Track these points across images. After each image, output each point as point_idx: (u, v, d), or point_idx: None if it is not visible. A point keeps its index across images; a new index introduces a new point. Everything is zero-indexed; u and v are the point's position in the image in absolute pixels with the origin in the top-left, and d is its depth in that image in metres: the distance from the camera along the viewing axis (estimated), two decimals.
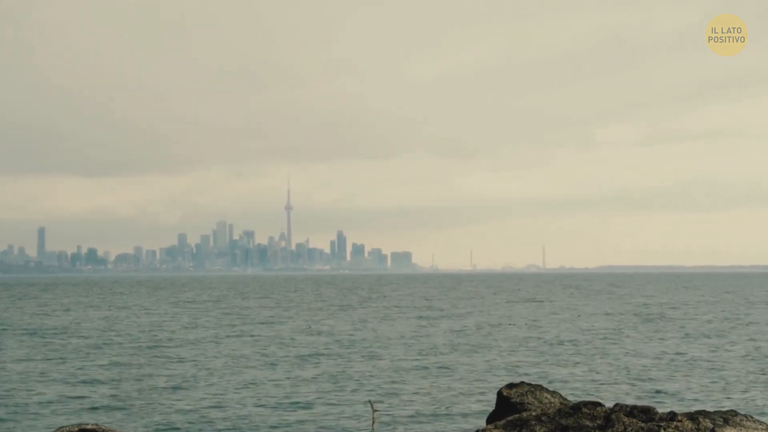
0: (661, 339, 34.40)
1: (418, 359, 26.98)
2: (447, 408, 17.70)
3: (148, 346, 32.00)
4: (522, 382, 7.34)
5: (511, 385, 7.33)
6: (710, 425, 6.11)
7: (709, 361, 26.53)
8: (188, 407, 18.00)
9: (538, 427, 6.05)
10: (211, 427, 15.87)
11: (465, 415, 16.73)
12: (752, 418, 7.81)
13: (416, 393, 19.76)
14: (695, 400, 18.63)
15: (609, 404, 6.43)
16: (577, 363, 25.68)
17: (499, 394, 7.26)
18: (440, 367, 24.73)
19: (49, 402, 18.92)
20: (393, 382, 21.82)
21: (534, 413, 6.27)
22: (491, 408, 7.60)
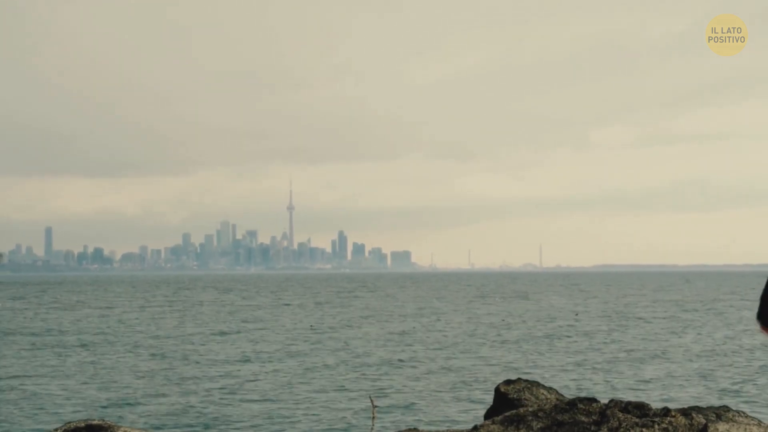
0: (655, 335, 34.44)
1: (416, 357, 26.99)
2: (445, 404, 17.70)
3: (172, 343, 32.00)
4: (519, 379, 7.34)
5: (508, 382, 7.33)
6: (703, 421, 6.10)
7: (698, 355, 26.55)
8: (196, 403, 18.00)
9: (534, 423, 6.05)
10: (215, 422, 15.87)
11: (463, 411, 16.73)
12: (744, 414, 7.82)
13: (415, 389, 19.76)
14: (690, 396, 18.64)
15: (604, 400, 6.42)
16: (574, 360, 25.69)
17: (497, 390, 7.25)
18: (438, 364, 24.73)
19: (56, 397, 18.91)
20: (392, 378, 21.82)
21: (531, 409, 6.26)
22: (488, 404, 7.59)
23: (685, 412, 6.10)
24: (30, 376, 22.56)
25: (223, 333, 37.10)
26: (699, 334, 35.64)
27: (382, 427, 14.07)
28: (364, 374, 22.70)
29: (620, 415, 6.07)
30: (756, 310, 3.35)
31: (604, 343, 31.62)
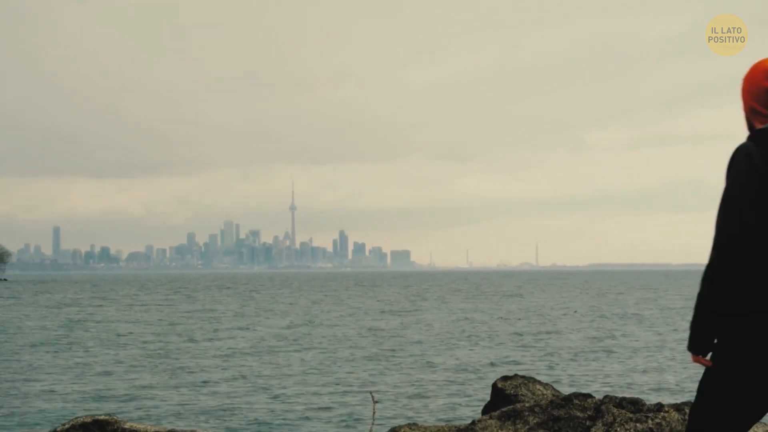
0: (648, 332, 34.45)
1: (413, 353, 27.01)
2: (443, 399, 17.71)
3: (180, 339, 32.03)
4: (516, 375, 7.33)
5: (505, 378, 7.32)
6: None
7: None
8: (199, 398, 18.01)
9: (531, 418, 6.04)
10: (217, 417, 15.88)
11: (461, 407, 16.74)
12: None
13: (413, 385, 19.78)
14: (682, 391, 18.65)
15: (599, 396, 6.42)
16: (569, 356, 25.71)
17: (494, 386, 7.24)
18: (436, 360, 24.75)
19: (62, 393, 18.92)
20: (390, 374, 21.84)
21: (527, 404, 6.25)
22: (486, 399, 7.59)
23: (678, 407, 6.09)
24: (37, 372, 22.57)
25: (228, 329, 37.12)
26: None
27: (382, 422, 14.07)
28: (363, 370, 22.71)
29: (615, 410, 6.06)
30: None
31: (599, 339, 31.64)
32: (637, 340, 31.59)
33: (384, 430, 7.16)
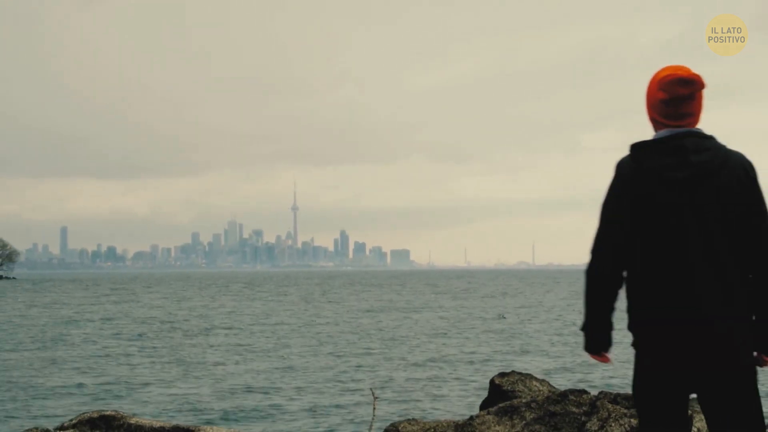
0: None
1: (411, 350, 27.00)
2: (442, 395, 17.70)
3: (192, 332, 32.01)
4: (513, 371, 7.33)
5: (502, 374, 7.32)
6: (689, 411, 6.09)
7: None
8: (203, 393, 18.00)
9: (528, 413, 6.04)
10: (219, 413, 15.87)
11: (459, 402, 16.72)
12: None
13: (412, 381, 19.77)
14: None
15: (594, 392, 6.42)
16: (565, 353, 25.70)
17: (492, 382, 7.24)
18: (434, 357, 24.73)
19: (69, 389, 18.91)
20: (389, 370, 21.83)
21: (524, 400, 6.25)
22: (484, 395, 7.59)
23: None
24: (44, 368, 22.56)
25: (234, 326, 37.11)
26: None
27: (382, 417, 14.07)
28: (362, 367, 22.70)
29: (609, 406, 6.06)
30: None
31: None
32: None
33: (384, 426, 7.16)
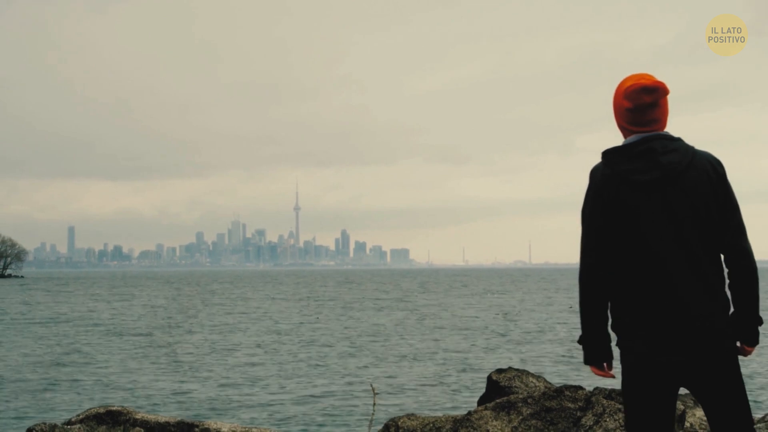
0: None
1: (411, 346, 27.00)
2: (441, 391, 17.69)
3: (188, 332, 32.00)
4: (510, 368, 7.33)
5: (499, 370, 7.32)
6: (681, 407, 6.09)
7: None
8: (206, 389, 18.00)
9: (524, 409, 6.03)
10: (222, 408, 15.86)
11: (457, 398, 16.72)
12: None
13: (411, 377, 19.76)
14: None
15: (589, 388, 6.41)
16: (561, 350, 25.70)
17: (489, 378, 7.24)
18: (432, 353, 24.73)
19: (77, 384, 18.90)
20: (389, 366, 21.82)
21: (521, 396, 6.25)
22: (481, 391, 7.59)
23: None
24: (51, 364, 22.55)
25: (236, 324, 37.10)
26: None
27: (382, 412, 14.07)
28: (362, 363, 22.69)
29: (604, 401, 6.06)
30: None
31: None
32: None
33: (384, 420, 7.15)
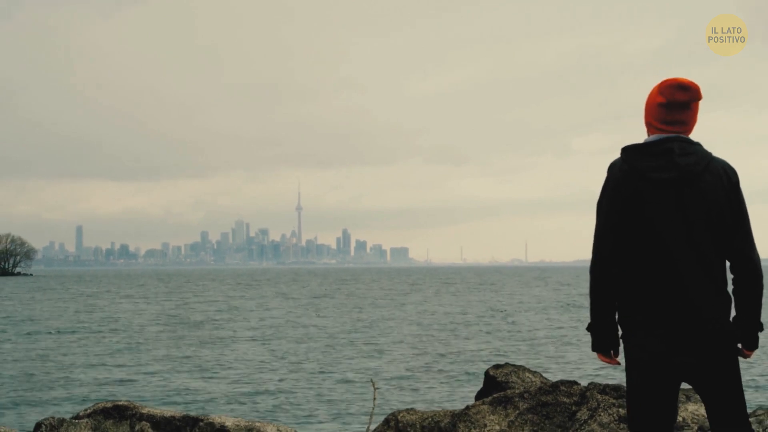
0: None
1: (410, 342, 27.00)
2: (439, 386, 17.69)
3: (194, 328, 31.99)
4: (506, 363, 7.33)
5: (496, 366, 7.31)
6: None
7: None
8: (211, 385, 18.00)
9: (521, 404, 6.03)
10: (227, 403, 15.86)
11: (455, 393, 16.72)
12: None
13: (410, 373, 19.77)
14: None
15: (584, 383, 6.42)
16: (556, 346, 25.69)
17: (486, 373, 7.24)
18: (431, 349, 24.73)
19: (85, 380, 18.90)
20: (388, 362, 21.82)
21: (517, 391, 6.25)
22: (479, 386, 7.59)
23: None
24: (59, 359, 22.56)
25: (237, 321, 37.09)
26: None
27: (382, 407, 14.07)
28: (362, 358, 22.70)
29: (598, 396, 6.06)
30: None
31: (578, 329, 31.62)
32: None
33: (384, 415, 7.15)
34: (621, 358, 3.41)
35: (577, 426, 5.84)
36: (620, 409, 5.80)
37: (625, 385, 6.24)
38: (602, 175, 3.36)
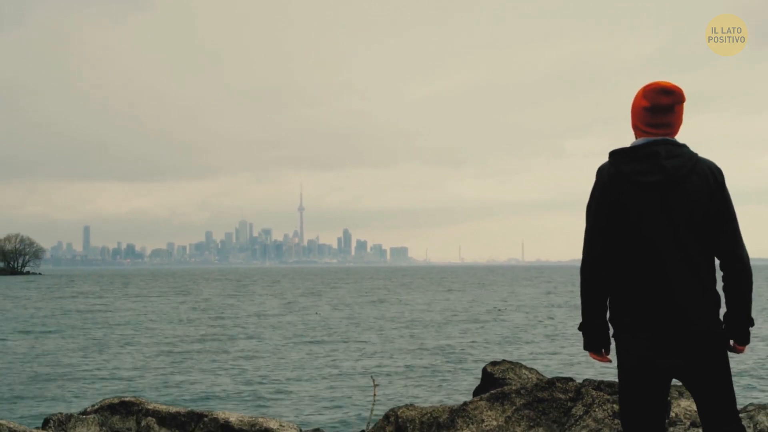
0: None
1: (409, 339, 26.99)
2: (437, 382, 17.69)
3: (200, 325, 31.98)
4: (504, 360, 7.33)
5: (494, 363, 7.32)
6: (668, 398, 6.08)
7: None
8: (213, 382, 17.99)
9: (517, 400, 6.03)
10: (230, 400, 15.85)
11: (453, 389, 16.71)
12: None
13: (408, 369, 19.76)
14: None
15: (579, 379, 6.41)
16: (553, 343, 25.69)
17: (484, 370, 7.24)
18: (429, 346, 24.72)
19: (91, 376, 18.90)
20: (387, 359, 21.81)
21: (514, 387, 6.25)
22: (477, 383, 7.59)
23: None
24: (66, 356, 22.55)
25: (239, 318, 37.09)
26: None
27: (382, 403, 14.06)
28: (362, 355, 22.68)
29: (593, 392, 6.06)
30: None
31: (574, 326, 31.57)
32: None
33: (384, 411, 7.15)
34: (613, 355, 3.41)
35: (573, 421, 5.85)
36: (614, 405, 5.80)
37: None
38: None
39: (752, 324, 3.32)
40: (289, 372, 19.55)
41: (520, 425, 5.89)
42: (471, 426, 5.93)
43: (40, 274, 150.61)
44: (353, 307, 47.94)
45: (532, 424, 5.90)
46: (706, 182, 3.22)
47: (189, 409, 6.77)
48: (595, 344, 3.38)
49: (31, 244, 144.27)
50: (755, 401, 12.75)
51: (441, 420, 6.06)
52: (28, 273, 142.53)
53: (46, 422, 6.54)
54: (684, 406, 6.39)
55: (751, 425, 6.10)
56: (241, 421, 6.29)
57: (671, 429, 5.89)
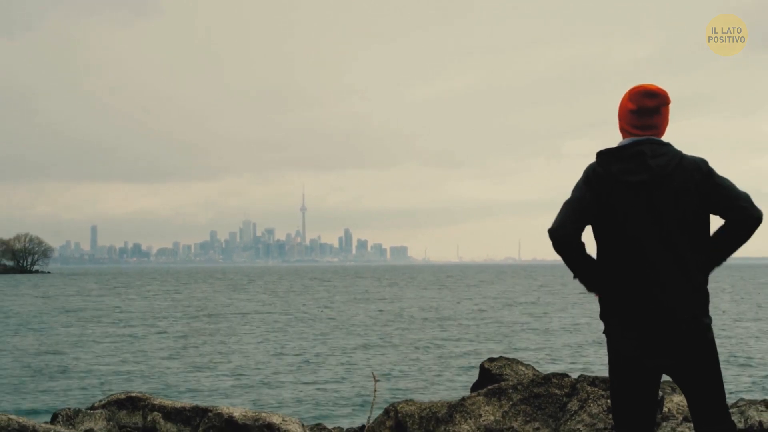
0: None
1: (407, 336, 26.98)
2: (436, 378, 17.68)
3: (204, 322, 31.97)
4: (500, 357, 7.33)
5: (491, 359, 7.31)
6: (660, 393, 6.08)
7: None
8: (217, 378, 17.99)
9: (514, 395, 6.03)
10: (233, 396, 15.85)
11: (451, 385, 16.71)
12: None
13: (408, 365, 19.76)
14: None
15: (574, 375, 6.42)
16: (549, 340, 25.68)
17: (481, 366, 7.24)
18: (428, 343, 24.71)
19: (98, 372, 18.89)
20: (387, 355, 21.81)
21: (511, 383, 6.25)
22: (474, 379, 7.59)
23: None
24: (74, 351, 22.54)
25: (241, 315, 37.07)
26: None
27: (382, 398, 14.06)
28: (363, 351, 22.68)
29: (588, 388, 6.06)
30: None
31: (575, 325, 31.61)
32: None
33: (384, 406, 7.15)
34: (605, 353, 3.38)
35: (568, 416, 5.85)
36: (609, 400, 5.80)
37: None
38: None
39: (719, 265, 3.26)
40: (290, 367, 19.55)
41: (516, 420, 5.90)
42: (469, 421, 5.94)
43: (48, 272, 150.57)
44: (354, 304, 47.93)
45: (528, 418, 5.90)
46: (691, 177, 3.19)
47: (194, 404, 6.77)
48: (595, 286, 3.29)
49: (40, 243, 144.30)
50: (746, 396, 12.75)
51: (440, 415, 6.06)
52: (37, 272, 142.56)
53: (54, 417, 6.54)
54: (677, 401, 6.40)
55: (742, 420, 6.09)
56: (244, 416, 6.29)
57: (664, 424, 5.89)
